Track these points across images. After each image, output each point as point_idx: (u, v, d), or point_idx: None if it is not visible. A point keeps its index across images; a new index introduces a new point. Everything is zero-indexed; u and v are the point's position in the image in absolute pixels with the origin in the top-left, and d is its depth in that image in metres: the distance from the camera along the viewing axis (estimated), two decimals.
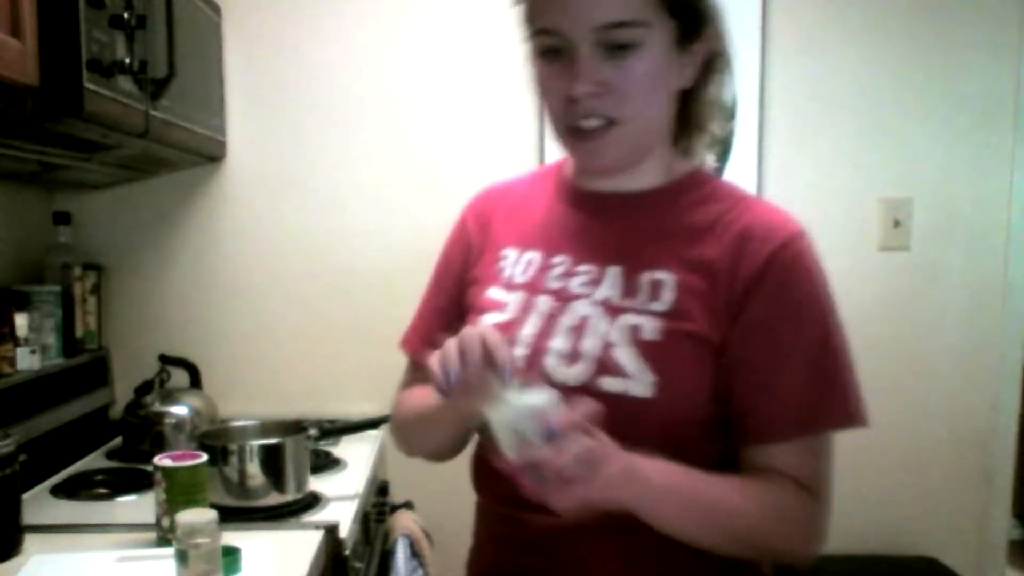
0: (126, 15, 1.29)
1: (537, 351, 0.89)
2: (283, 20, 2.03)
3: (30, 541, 1.25)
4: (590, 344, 0.86)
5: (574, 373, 0.86)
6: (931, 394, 2.18)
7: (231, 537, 1.13)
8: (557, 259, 0.94)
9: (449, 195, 1.95)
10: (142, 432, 1.78)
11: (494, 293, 0.96)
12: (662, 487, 0.80)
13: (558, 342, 0.88)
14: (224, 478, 1.38)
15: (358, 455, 1.77)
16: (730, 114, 2.08)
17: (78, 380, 1.84)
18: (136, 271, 2.06)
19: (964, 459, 2.20)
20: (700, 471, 0.82)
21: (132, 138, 1.43)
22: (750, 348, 0.85)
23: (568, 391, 0.80)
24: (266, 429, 1.49)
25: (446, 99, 2.04)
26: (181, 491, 1.21)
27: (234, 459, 1.38)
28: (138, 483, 1.54)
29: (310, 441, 1.47)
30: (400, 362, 1.11)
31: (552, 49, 0.87)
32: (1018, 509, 2.64)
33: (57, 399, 1.73)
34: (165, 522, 1.21)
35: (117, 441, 1.87)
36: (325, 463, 1.70)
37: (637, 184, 0.94)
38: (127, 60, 1.30)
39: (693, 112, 0.95)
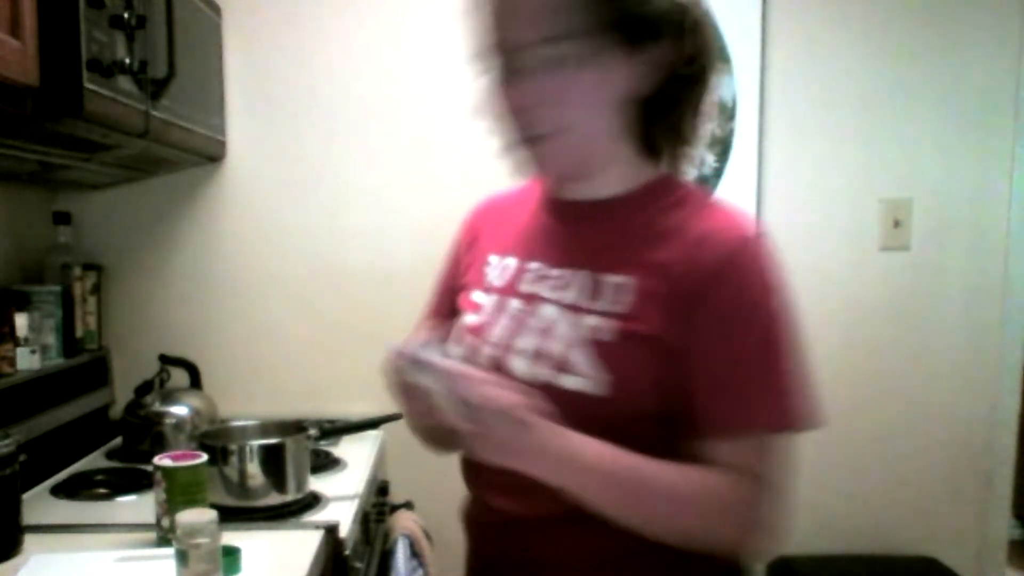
0: (126, 15, 1.29)
1: (505, 350, 0.95)
2: (283, 20, 2.03)
3: (30, 541, 1.25)
4: (553, 345, 0.91)
5: (537, 372, 0.91)
6: (931, 394, 2.18)
7: (231, 537, 1.13)
8: (532, 264, 0.99)
9: (449, 195, 1.96)
10: (142, 432, 1.78)
11: (475, 296, 1.02)
12: (590, 460, 0.85)
13: (524, 342, 0.94)
14: (224, 478, 1.38)
15: (358, 455, 1.77)
16: (730, 114, 2.08)
17: (78, 380, 1.84)
18: (136, 271, 2.06)
19: (964, 459, 2.20)
20: (638, 455, 0.85)
21: (132, 138, 1.43)
22: (699, 348, 0.88)
23: (532, 388, 0.86)
24: (266, 429, 1.49)
25: (446, 99, 2.04)
26: (181, 491, 1.21)
27: (234, 459, 1.38)
28: (138, 483, 1.54)
29: (310, 441, 1.47)
30: None
31: (500, 63, 0.91)
32: (1018, 509, 2.64)
33: (57, 399, 1.73)
34: (165, 522, 1.21)
35: (117, 441, 1.87)
36: (325, 463, 1.70)
37: (607, 191, 0.97)
38: (127, 60, 1.30)
39: (672, 119, 0.96)
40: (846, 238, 2.14)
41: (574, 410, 0.85)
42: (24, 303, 1.68)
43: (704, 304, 0.87)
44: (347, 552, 1.35)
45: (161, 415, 1.78)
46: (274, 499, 1.40)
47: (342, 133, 2.06)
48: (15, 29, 1.07)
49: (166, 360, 1.91)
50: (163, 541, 1.22)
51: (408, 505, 1.85)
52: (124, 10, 1.29)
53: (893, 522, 2.20)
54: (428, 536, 1.76)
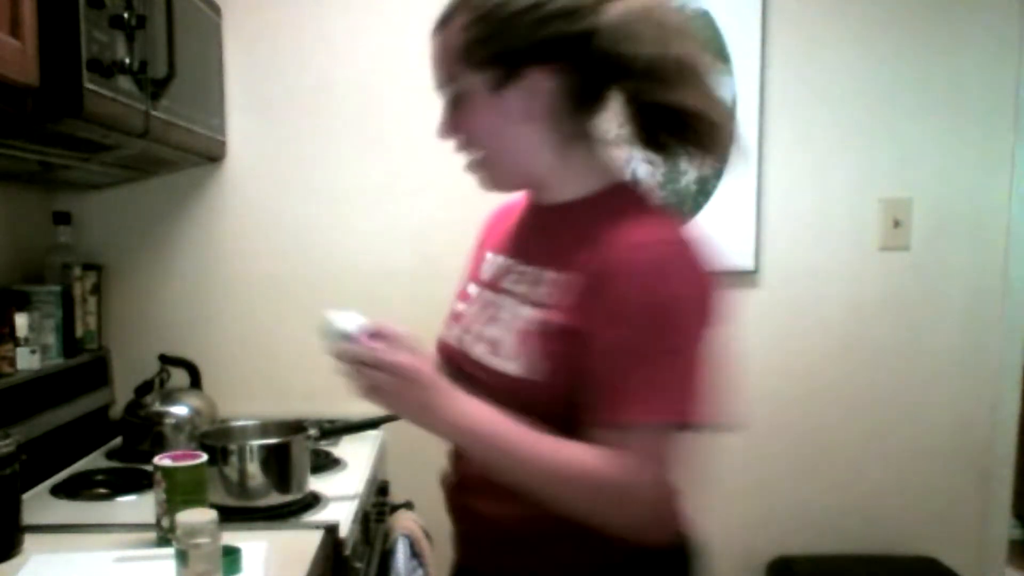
0: (126, 15, 1.29)
1: (466, 333, 1.10)
2: (283, 20, 2.03)
3: (30, 541, 1.25)
4: (495, 330, 1.04)
5: (479, 352, 1.05)
6: (931, 394, 2.18)
7: (231, 537, 1.13)
8: (510, 261, 1.10)
9: (450, 196, 1.97)
10: (142, 432, 1.78)
11: (469, 288, 1.16)
12: (477, 420, 0.94)
13: (480, 327, 1.07)
14: (224, 478, 1.38)
15: (358, 455, 1.77)
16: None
17: (78, 380, 1.84)
18: (136, 271, 2.06)
19: (964, 459, 2.20)
20: (532, 428, 0.93)
21: (132, 138, 1.43)
22: (594, 341, 0.94)
23: (475, 365, 1.04)
24: (266, 429, 1.49)
25: None
26: (181, 491, 1.21)
27: (234, 459, 1.38)
28: (138, 483, 1.54)
29: (310, 441, 1.47)
30: None
31: None
32: (1018, 509, 2.63)
33: (57, 399, 1.73)
34: (165, 522, 1.21)
35: (117, 441, 1.87)
36: (325, 463, 1.70)
37: (567, 195, 1.06)
38: (127, 60, 1.30)
39: (666, 119, 0.99)
40: (846, 238, 2.14)
41: (499, 388, 0.98)
42: (24, 303, 1.68)
43: (601, 299, 0.94)
44: (347, 552, 1.35)
45: (161, 415, 1.78)
46: (274, 499, 1.40)
47: (342, 133, 2.06)
48: (15, 29, 1.07)
49: (166, 360, 1.91)
50: (163, 541, 1.22)
51: (408, 505, 1.84)
52: (124, 10, 1.29)
53: (893, 522, 2.20)
54: (428, 536, 1.76)
